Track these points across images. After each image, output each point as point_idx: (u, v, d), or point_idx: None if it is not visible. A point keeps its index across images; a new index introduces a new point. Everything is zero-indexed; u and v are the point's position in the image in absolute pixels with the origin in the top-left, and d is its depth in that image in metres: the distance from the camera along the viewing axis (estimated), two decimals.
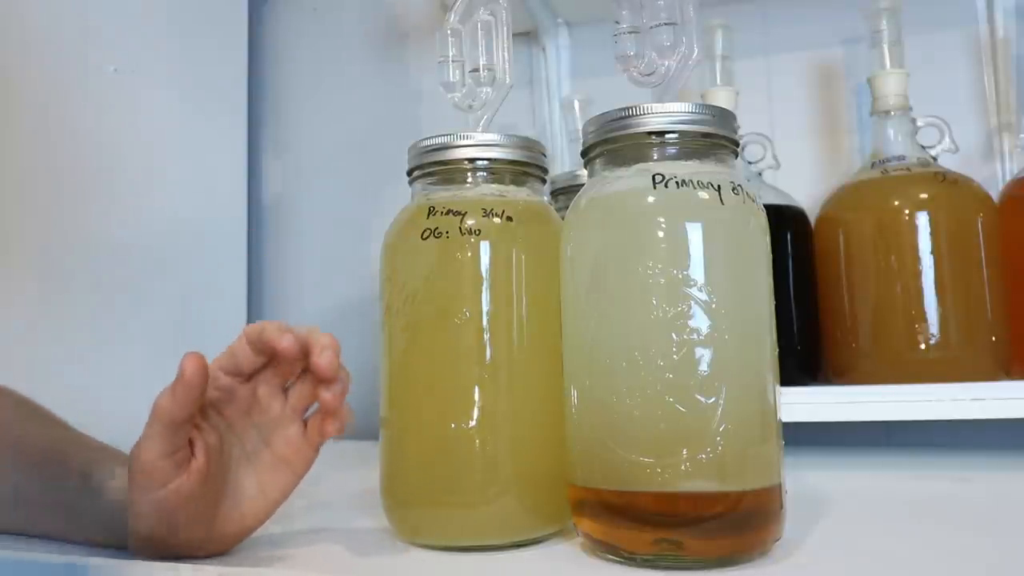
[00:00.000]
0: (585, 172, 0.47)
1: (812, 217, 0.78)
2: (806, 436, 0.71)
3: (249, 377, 0.44)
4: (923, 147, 0.75)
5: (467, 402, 0.44)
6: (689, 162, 0.42)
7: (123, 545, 0.44)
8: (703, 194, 0.40)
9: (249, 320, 1.03)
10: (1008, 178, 0.78)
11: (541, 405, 0.45)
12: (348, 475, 0.66)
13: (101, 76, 0.87)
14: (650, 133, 0.42)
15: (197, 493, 0.41)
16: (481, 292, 0.45)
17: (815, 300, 0.76)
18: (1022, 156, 0.80)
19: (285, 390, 0.45)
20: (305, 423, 0.44)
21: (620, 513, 0.40)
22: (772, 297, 0.42)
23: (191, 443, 0.41)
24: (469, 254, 0.45)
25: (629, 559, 0.40)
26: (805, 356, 0.76)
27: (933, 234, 0.69)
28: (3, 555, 0.44)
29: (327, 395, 0.41)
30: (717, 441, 0.38)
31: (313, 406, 0.45)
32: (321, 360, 0.41)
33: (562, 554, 0.43)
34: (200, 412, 0.42)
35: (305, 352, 0.42)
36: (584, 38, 0.97)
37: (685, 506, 0.39)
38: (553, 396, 0.44)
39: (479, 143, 0.48)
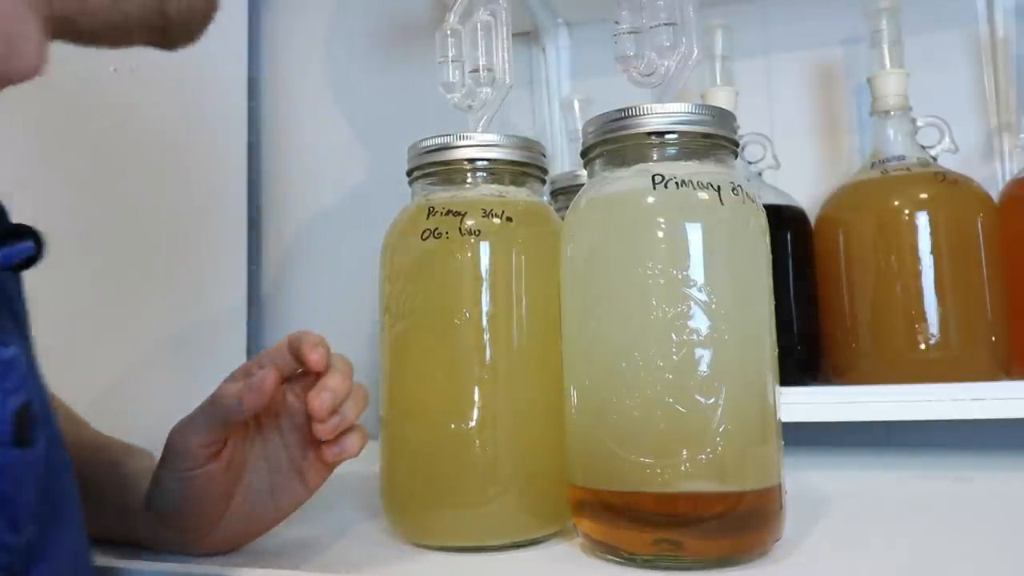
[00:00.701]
0: (585, 172, 0.47)
1: (812, 217, 0.78)
2: (806, 436, 0.71)
3: (282, 382, 0.44)
4: (923, 147, 0.75)
5: (467, 402, 0.44)
6: (689, 162, 0.42)
7: (130, 536, 0.45)
8: (703, 194, 0.40)
9: (248, 320, 1.03)
10: (1008, 178, 0.78)
11: (541, 405, 0.45)
12: (348, 475, 0.66)
13: (101, 76, 0.87)
14: (650, 133, 0.42)
15: (219, 481, 0.42)
16: (481, 293, 0.45)
17: (815, 300, 0.76)
18: (1022, 156, 0.80)
19: None
20: (323, 441, 0.44)
21: (620, 513, 0.40)
22: (772, 297, 0.42)
23: None
24: (469, 255, 0.45)
25: (629, 559, 0.40)
26: (805, 356, 0.76)
27: (933, 234, 0.69)
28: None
29: (318, 427, 0.42)
30: (717, 441, 0.38)
31: None
32: (315, 403, 0.42)
33: (562, 554, 0.43)
34: None
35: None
36: (584, 38, 0.97)
37: (685, 506, 0.39)
38: (553, 396, 0.44)
39: (479, 143, 0.48)
